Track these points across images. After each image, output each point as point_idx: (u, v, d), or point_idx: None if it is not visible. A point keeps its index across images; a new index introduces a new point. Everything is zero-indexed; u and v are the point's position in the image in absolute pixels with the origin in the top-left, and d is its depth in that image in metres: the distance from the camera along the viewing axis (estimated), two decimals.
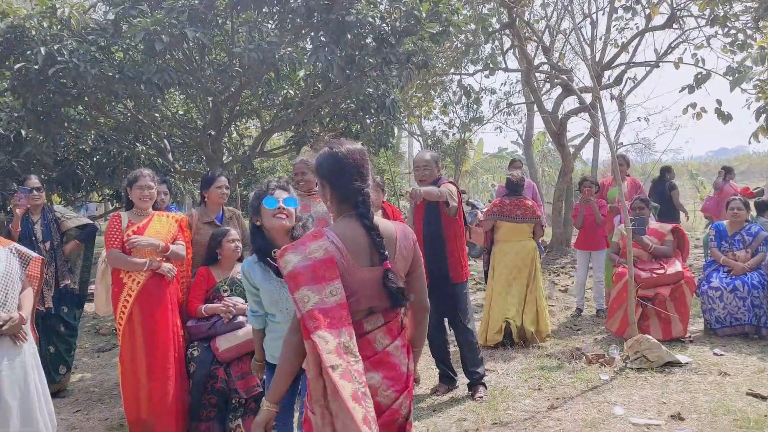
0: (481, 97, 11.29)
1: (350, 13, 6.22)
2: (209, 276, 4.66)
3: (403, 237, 2.37)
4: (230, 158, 8.75)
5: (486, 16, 9.23)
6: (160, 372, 4.27)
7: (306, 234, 2.27)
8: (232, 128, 9.44)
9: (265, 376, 3.28)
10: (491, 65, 10.27)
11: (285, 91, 8.92)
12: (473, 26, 9.44)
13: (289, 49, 6.68)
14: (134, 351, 4.32)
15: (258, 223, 3.15)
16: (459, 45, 9.56)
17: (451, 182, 5.00)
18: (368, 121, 9.45)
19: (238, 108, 8.16)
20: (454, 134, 17.61)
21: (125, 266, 4.30)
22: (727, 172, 10.97)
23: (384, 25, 6.57)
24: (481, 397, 4.84)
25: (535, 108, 20.00)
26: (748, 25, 8.56)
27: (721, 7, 8.40)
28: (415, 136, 23.65)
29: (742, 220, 6.53)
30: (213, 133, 7.78)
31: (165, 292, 4.36)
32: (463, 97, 10.16)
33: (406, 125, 18.33)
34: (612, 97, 14.95)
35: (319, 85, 8.41)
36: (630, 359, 5.45)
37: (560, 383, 5.11)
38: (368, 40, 6.74)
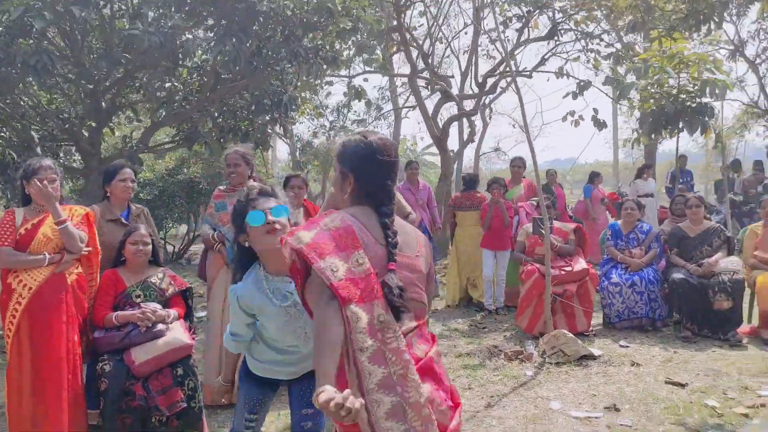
0: (363, 99, 11.18)
1: (261, 2, 5.86)
2: (117, 280, 4.15)
3: (424, 240, 2.22)
4: (112, 153, 7.98)
5: (378, 17, 9.16)
6: (50, 393, 3.66)
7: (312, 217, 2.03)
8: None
9: (243, 391, 2.88)
10: (387, 67, 10.25)
11: (169, 84, 8.30)
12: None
13: (189, 35, 6.20)
14: (21, 368, 3.70)
15: (246, 244, 2.62)
16: (350, 46, 9.39)
17: None
18: (259, 119, 9.06)
19: (119, 98, 7.46)
20: (328, 137, 17.41)
21: (19, 264, 3.69)
22: (595, 177, 11.66)
23: (293, 17, 6.27)
24: None
25: (404, 114, 20.41)
26: (636, 41, 9.14)
27: (602, 21, 8.90)
28: (283, 139, 23.15)
29: (635, 219, 6.90)
30: (94, 124, 7.03)
31: (62, 301, 3.75)
32: (354, 98, 10.02)
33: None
34: (484, 106, 15.49)
35: (206, 78, 7.92)
36: (547, 354, 5.54)
37: (489, 381, 5.07)
38: (274, 32, 6.41)
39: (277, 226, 2.52)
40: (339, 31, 6.85)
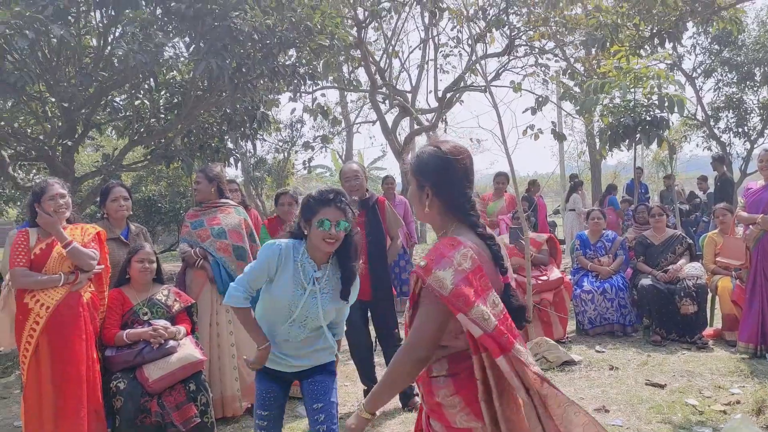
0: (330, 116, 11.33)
1: (245, 22, 5.95)
2: (123, 298, 4.19)
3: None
4: (89, 171, 7.87)
5: (343, 33, 9.34)
6: (71, 413, 3.70)
7: (438, 245, 1.96)
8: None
9: (256, 387, 3.00)
10: (354, 84, 10.43)
11: (139, 101, 8.26)
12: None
13: (171, 53, 6.24)
14: (40, 389, 3.71)
15: (306, 232, 2.81)
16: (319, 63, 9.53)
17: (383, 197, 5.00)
18: (227, 136, 9.11)
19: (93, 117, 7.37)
20: (285, 153, 17.48)
21: (34, 285, 3.72)
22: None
23: (270, 34, 6.37)
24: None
25: (355, 129, 20.61)
26: (591, 57, 9.56)
27: (558, 36, 9.29)
28: (236, 154, 22.99)
29: (601, 228, 7.25)
30: (70, 143, 6.94)
31: (80, 318, 3.79)
32: (320, 115, 10.16)
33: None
34: (442, 120, 15.85)
35: (174, 95, 7.94)
36: None
37: None
38: (253, 50, 6.50)
39: (333, 239, 2.75)
40: (315, 48, 6.99)
